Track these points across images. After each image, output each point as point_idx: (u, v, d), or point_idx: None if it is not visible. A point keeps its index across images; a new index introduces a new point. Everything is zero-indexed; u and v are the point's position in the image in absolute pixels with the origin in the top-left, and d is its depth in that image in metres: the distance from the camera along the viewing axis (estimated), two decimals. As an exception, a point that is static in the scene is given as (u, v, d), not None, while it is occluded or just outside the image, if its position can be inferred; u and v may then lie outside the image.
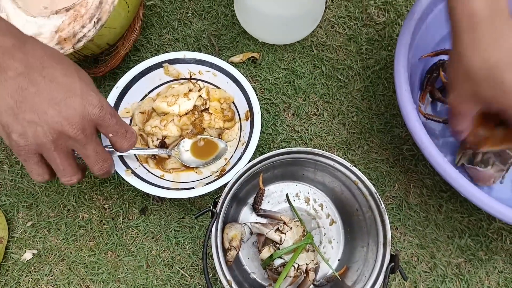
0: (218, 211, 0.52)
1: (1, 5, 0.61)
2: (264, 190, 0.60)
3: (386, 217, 0.53)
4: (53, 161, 0.42)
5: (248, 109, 0.64)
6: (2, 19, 0.42)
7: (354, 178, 0.55)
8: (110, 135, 0.45)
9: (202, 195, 0.61)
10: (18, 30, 0.42)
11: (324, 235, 0.62)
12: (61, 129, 0.40)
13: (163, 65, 0.65)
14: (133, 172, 0.59)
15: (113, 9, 0.56)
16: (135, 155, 0.61)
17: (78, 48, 0.57)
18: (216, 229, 0.52)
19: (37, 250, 0.61)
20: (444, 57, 0.67)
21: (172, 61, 0.65)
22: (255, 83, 0.70)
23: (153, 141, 0.63)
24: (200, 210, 0.52)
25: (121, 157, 0.60)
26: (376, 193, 0.53)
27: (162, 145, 0.63)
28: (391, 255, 0.52)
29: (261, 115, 0.62)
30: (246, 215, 0.62)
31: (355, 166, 0.65)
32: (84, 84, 0.42)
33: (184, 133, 0.64)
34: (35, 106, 0.39)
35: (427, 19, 0.63)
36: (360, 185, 0.55)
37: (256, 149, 0.60)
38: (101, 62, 0.65)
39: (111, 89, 0.62)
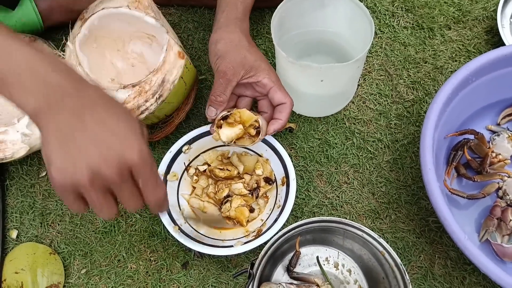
0: (255, 272, 0.58)
1: (77, 78, 0.71)
2: (300, 253, 0.65)
3: (410, 288, 0.57)
4: (89, 198, 0.43)
5: (284, 175, 0.70)
6: (65, 63, 0.46)
7: (381, 248, 0.60)
8: (141, 181, 0.45)
9: (239, 253, 0.67)
10: (79, 75, 0.46)
11: (351, 300, 0.65)
12: (98, 169, 0.41)
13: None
14: (180, 229, 0.66)
15: (173, 87, 0.65)
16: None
17: (140, 119, 0.66)
18: (252, 289, 0.57)
19: (89, 296, 0.68)
20: (469, 136, 0.72)
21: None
22: (291, 150, 0.77)
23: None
24: (238, 271, 0.58)
25: (169, 214, 0.67)
26: (401, 264, 0.58)
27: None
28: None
29: (296, 181, 0.68)
30: (279, 275, 0.67)
31: (382, 234, 0.70)
32: (129, 129, 0.43)
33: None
34: (78, 144, 0.41)
35: (452, 103, 0.69)
36: (387, 255, 0.60)
37: (290, 213, 0.66)
38: (157, 129, 0.74)
39: (165, 153, 0.70)
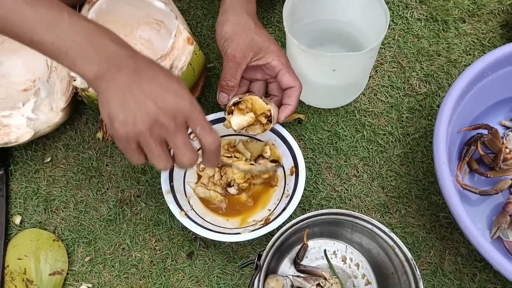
0: (262, 263, 0.56)
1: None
2: (308, 245, 0.64)
3: (421, 284, 0.55)
4: (148, 147, 0.48)
5: (293, 164, 0.69)
6: (119, 36, 0.51)
7: (391, 243, 0.59)
8: (198, 128, 0.50)
9: (245, 244, 0.66)
10: (132, 47, 0.51)
11: (359, 294, 0.64)
12: (156, 117, 0.47)
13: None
14: (186, 215, 0.64)
15: (181, 74, 0.64)
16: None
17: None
18: (259, 281, 0.56)
19: (92, 284, 0.67)
20: (483, 131, 0.71)
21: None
22: (299, 142, 0.76)
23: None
24: (245, 262, 0.57)
25: (175, 199, 0.66)
26: (412, 259, 0.56)
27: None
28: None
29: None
30: (285, 268, 0.66)
31: (392, 229, 0.69)
32: (179, 86, 0.50)
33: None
34: (137, 99, 0.47)
35: (466, 96, 0.67)
36: (397, 250, 0.58)
37: (297, 205, 0.65)
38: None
39: (171, 141, 0.68)
